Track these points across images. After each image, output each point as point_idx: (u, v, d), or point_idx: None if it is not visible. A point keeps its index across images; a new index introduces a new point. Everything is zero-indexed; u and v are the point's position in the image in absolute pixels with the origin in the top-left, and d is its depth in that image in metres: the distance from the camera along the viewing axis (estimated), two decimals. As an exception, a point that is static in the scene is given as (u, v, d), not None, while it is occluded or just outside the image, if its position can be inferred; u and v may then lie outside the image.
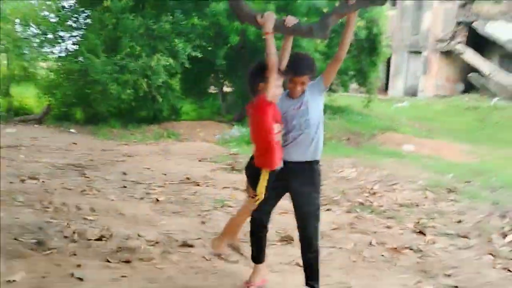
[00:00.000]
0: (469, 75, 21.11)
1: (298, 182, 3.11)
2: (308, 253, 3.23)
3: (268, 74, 2.82)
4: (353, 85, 17.51)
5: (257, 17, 2.88)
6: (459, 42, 21.73)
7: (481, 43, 21.37)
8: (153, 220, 4.72)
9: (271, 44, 2.81)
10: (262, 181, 2.98)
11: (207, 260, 3.81)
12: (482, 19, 20.91)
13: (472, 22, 21.24)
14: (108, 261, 3.65)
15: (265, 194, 3.00)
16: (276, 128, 2.95)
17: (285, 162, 3.05)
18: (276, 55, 2.84)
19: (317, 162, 3.15)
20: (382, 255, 4.18)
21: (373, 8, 13.37)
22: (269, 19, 2.84)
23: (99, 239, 4.09)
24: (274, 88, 2.86)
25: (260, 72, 2.88)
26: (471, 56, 21.26)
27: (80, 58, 12.74)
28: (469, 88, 22.03)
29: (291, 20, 2.93)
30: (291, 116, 3.06)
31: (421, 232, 4.80)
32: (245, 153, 9.10)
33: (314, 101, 3.09)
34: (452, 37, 21.93)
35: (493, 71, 20.44)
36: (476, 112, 17.36)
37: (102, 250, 3.87)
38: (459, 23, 21.74)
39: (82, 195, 5.54)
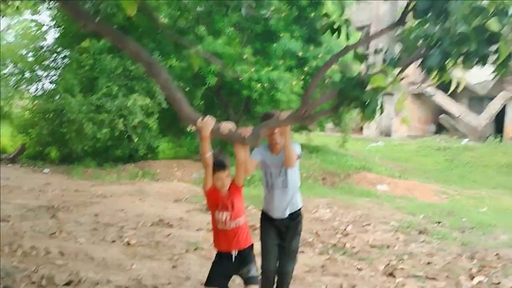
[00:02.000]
0: (440, 116, 21.75)
1: (288, 232, 3.63)
2: None
3: (205, 169, 3.10)
4: (329, 125, 17.83)
5: (197, 121, 3.04)
6: (429, 85, 22.47)
7: (450, 86, 22.12)
8: (123, 265, 4.66)
9: (206, 146, 3.03)
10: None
11: (177, 305, 3.78)
12: (451, 62, 21.75)
13: (442, 66, 22.06)
14: (76, 307, 3.59)
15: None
16: (218, 216, 3.16)
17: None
18: (210, 156, 3.05)
19: (299, 209, 3.67)
20: (353, 299, 4.21)
21: (347, 53, 13.79)
22: (207, 124, 3.02)
23: (68, 284, 4.03)
24: (209, 181, 3.11)
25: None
26: (441, 98, 21.98)
27: (57, 98, 12.75)
28: (440, 129, 22.67)
29: (226, 127, 3.08)
30: (275, 173, 3.54)
31: (391, 275, 4.85)
32: (221, 193, 9.12)
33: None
34: (423, 80, 22.70)
35: (463, 113, 21.13)
36: (446, 153, 17.79)
37: (70, 295, 3.81)
38: (429, 66, 22.54)
39: (52, 238, 5.45)
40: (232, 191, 3.17)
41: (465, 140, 19.63)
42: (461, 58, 2.70)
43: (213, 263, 3.28)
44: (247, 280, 3.23)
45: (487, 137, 19.97)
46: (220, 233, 3.19)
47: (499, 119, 20.96)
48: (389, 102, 24.73)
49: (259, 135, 3.12)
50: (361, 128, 25.85)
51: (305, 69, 12.99)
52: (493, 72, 2.73)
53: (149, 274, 4.42)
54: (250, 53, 12.42)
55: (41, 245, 5.02)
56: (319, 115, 3.39)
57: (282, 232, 3.61)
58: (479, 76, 20.79)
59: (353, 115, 16.95)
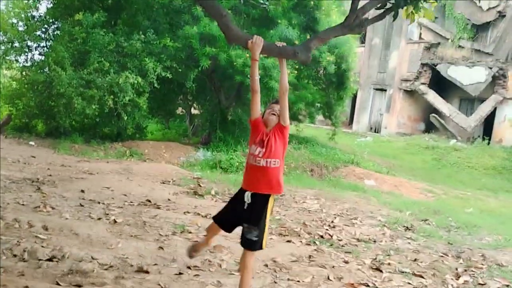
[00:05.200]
0: (431, 115, 21.84)
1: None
2: None
3: (251, 96, 3.15)
4: (320, 117, 17.80)
5: (248, 42, 3.03)
6: (422, 83, 22.53)
7: (443, 85, 22.23)
8: (108, 243, 4.57)
9: (255, 69, 3.06)
10: None
11: (162, 287, 3.71)
12: (445, 62, 21.82)
13: (436, 65, 22.12)
14: (58, 284, 3.50)
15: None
16: (252, 149, 3.14)
17: None
18: (258, 80, 3.09)
19: None
20: (339, 290, 4.18)
21: (343, 45, 13.74)
22: (258, 46, 3.03)
23: (50, 259, 3.93)
24: (255, 110, 3.16)
25: None
26: (433, 97, 22.05)
27: (46, 69, 12.48)
28: (430, 128, 22.77)
29: (279, 43, 3.18)
30: None
31: (378, 269, 4.84)
32: (209, 177, 9.04)
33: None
34: (416, 78, 22.74)
35: (453, 113, 21.24)
36: (434, 152, 17.90)
37: (53, 271, 3.71)
38: (423, 65, 22.59)
39: (35, 211, 5.33)
40: (275, 130, 3.13)
41: (453, 141, 19.76)
42: None
43: (229, 202, 3.33)
44: (244, 241, 3.17)
45: (475, 139, 20.13)
46: (247, 169, 3.20)
47: (489, 121, 21.12)
48: (380, 98, 24.81)
49: (310, 47, 3.10)
50: (351, 122, 25.92)
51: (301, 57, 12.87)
52: None
53: (135, 254, 4.34)
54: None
55: (24, 218, 4.90)
56: (369, 22, 3.33)
57: None
58: (472, 77, 20.91)
59: (344, 109, 16.97)
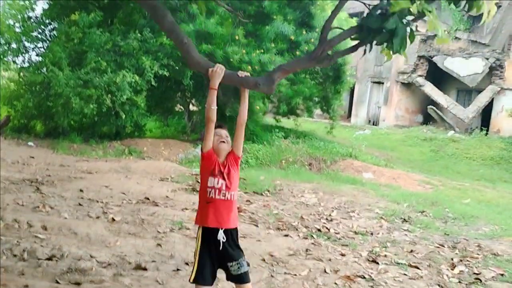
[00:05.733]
0: (428, 107, 21.88)
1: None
2: None
3: (206, 126, 2.89)
4: (318, 111, 17.84)
5: (209, 69, 2.94)
6: (419, 75, 22.54)
7: (440, 77, 22.25)
8: (107, 241, 4.63)
9: (213, 98, 2.88)
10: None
11: (160, 284, 3.77)
12: (442, 54, 21.84)
13: (432, 57, 22.14)
14: (58, 282, 3.57)
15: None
16: (212, 181, 2.88)
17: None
18: (215, 110, 2.88)
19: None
20: (335, 283, 4.24)
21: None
22: (218, 74, 2.91)
23: (50, 258, 3.99)
24: (210, 140, 2.89)
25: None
26: (430, 89, 22.07)
27: (44, 70, 12.50)
28: (428, 119, 22.80)
29: (243, 72, 3.04)
30: None
31: (374, 261, 4.90)
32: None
33: None
34: (413, 70, 22.75)
35: (450, 104, 21.27)
36: (432, 143, 17.94)
37: (52, 270, 3.78)
38: (420, 57, 22.61)
39: (35, 212, 5.39)
40: (230, 160, 2.92)
41: (451, 132, 19.81)
42: None
43: (200, 254, 2.85)
44: (239, 278, 2.88)
45: (473, 130, 20.17)
46: (210, 204, 2.85)
47: (486, 112, 21.16)
48: (378, 90, 24.83)
49: (274, 79, 2.99)
50: (350, 116, 25.94)
51: (297, 53, 12.91)
52: None
53: (133, 251, 4.40)
54: (241, 35, 12.29)
55: (23, 218, 4.96)
56: (337, 55, 3.23)
57: None
58: (469, 68, 20.92)
59: (341, 102, 17.00)
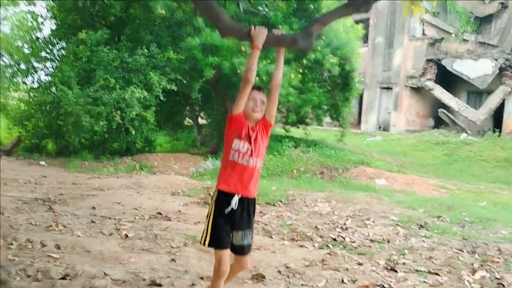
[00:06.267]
0: (439, 110, 21.71)
1: None
2: None
3: (242, 86, 2.75)
4: (327, 119, 17.78)
5: (251, 30, 2.84)
6: (428, 79, 22.41)
7: (449, 80, 22.09)
8: (120, 258, 4.58)
9: (256, 57, 2.78)
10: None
11: (175, 300, 3.71)
12: (450, 57, 21.70)
13: (441, 60, 22.01)
14: (72, 302, 3.52)
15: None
16: (237, 144, 2.75)
17: None
18: (255, 70, 2.78)
19: None
20: (354, 293, 4.15)
21: (346, 46, 13.73)
22: (262, 34, 2.81)
23: (64, 278, 3.95)
24: (243, 103, 2.76)
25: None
26: (440, 93, 21.92)
27: (53, 89, 12.64)
28: (439, 123, 22.62)
29: (278, 31, 2.97)
30: None
31: (393, 269, 4.79)
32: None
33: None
34: (422, 74, 22.63)
35: (462, 107, 21.09)
36: (445, 147, 17.76)
37: (66, 289, 3.73)
38: (428, 61, 22.50)
39: (48, 231, 5.37)
40: (260, 126, 2.78)
41: (464, 135, 19.60)
42: None
43: (214, 217, 2.75)
44: (239, 248, 2.81)
45: (485, 132, 19.94)
46: (232, 168, 2.73)
47: (498, 113, 20.93)
48: (387, 96, 24.71)
49: (312, 32, 2.87)
50: (360, 123, 25.83)
51: (304, 62, 12.90)
52: None
53: (147, 268, 4.34)
54: (248, 46, 12.30)
55: (36, 238, 4.93)
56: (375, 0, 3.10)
57: None
58: (478, 70, 20.75)
59: (351, 109, 16.93)
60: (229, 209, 2.74)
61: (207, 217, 2.86)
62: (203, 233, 2.84)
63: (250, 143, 2.74)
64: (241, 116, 2.77)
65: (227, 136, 2.82)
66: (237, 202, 2.73)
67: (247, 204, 2.81)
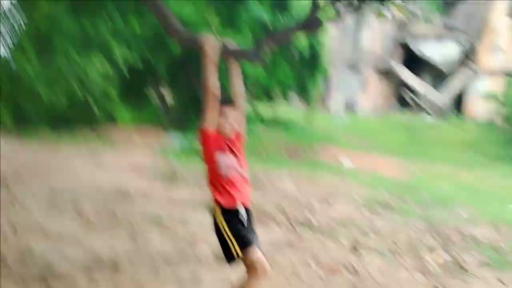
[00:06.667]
0: (404, 93, 22.03)
1: None
2: None
3: (206, 102, 2.64)
4: (296, 100, 17.72)
5: (201, 39, 2.74)
6: (395, 61, 22.64)
7: (415, 62, 22.39)
8: (80, 238, 4.41)
9: (213, 69, 2.67)
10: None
11: (136, 282, 3.59)
12: (417, 39, 21.95)
13: (408, 43, 22.23)
14: (28, 284, 3.35)
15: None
16: (224, 158, 2.68)
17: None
18: (215, 81, 2.64)
19: None
20: (318, 274, 4.13)
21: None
22: (211, 44, 2.70)
23: (19, 259, 3.76)
24: (214, 118, 2.66)
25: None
26: (406, 75, 22.21)
27: (12, 62, 12.09)
28: (404, 105, 22.98)
29: (230, 42, 2.86)
30: None
31: (357, 250, 4.81)
32: (184, 164, 8.89)
33: None
34: (389, 56, 22.83)
35: (426, 90, 21.45)
36: (409, 129, 18.07)
37: (22, 270, 3.56)
38: (395, 43, 22.69)
39: (3, 209, 5.12)
40: (235, 141, 2.72)
41: (427, 117, 19.99)
42: None
43: (231, 229, 2.62)
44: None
45: (449, 115, 20.41)
46: (227, 183, 2.64)
47: (461, 97, 21.41)
48: (355, 77, 24.84)
49: (262, 47, 2.89)
50: (326, 103, 25.93)
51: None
52: None
53: (107, 248, 4.20)
54: (217, 22, 12.02)
55: (-10, 217, 4.70)
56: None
57: None
58: (443, 54, 21.09)
59: (318, 87, 16.89)
60: (243, 214, 2.69)
61: (220, 233, 2.70)
62: (229, 248, 2.67)
63: (235, 155, 2.70)
64: (216, 132, 2.68)
65: (206, 153, 2.70)
66: (245, 212, 2.70)
67: (248, 213, 2.76)
